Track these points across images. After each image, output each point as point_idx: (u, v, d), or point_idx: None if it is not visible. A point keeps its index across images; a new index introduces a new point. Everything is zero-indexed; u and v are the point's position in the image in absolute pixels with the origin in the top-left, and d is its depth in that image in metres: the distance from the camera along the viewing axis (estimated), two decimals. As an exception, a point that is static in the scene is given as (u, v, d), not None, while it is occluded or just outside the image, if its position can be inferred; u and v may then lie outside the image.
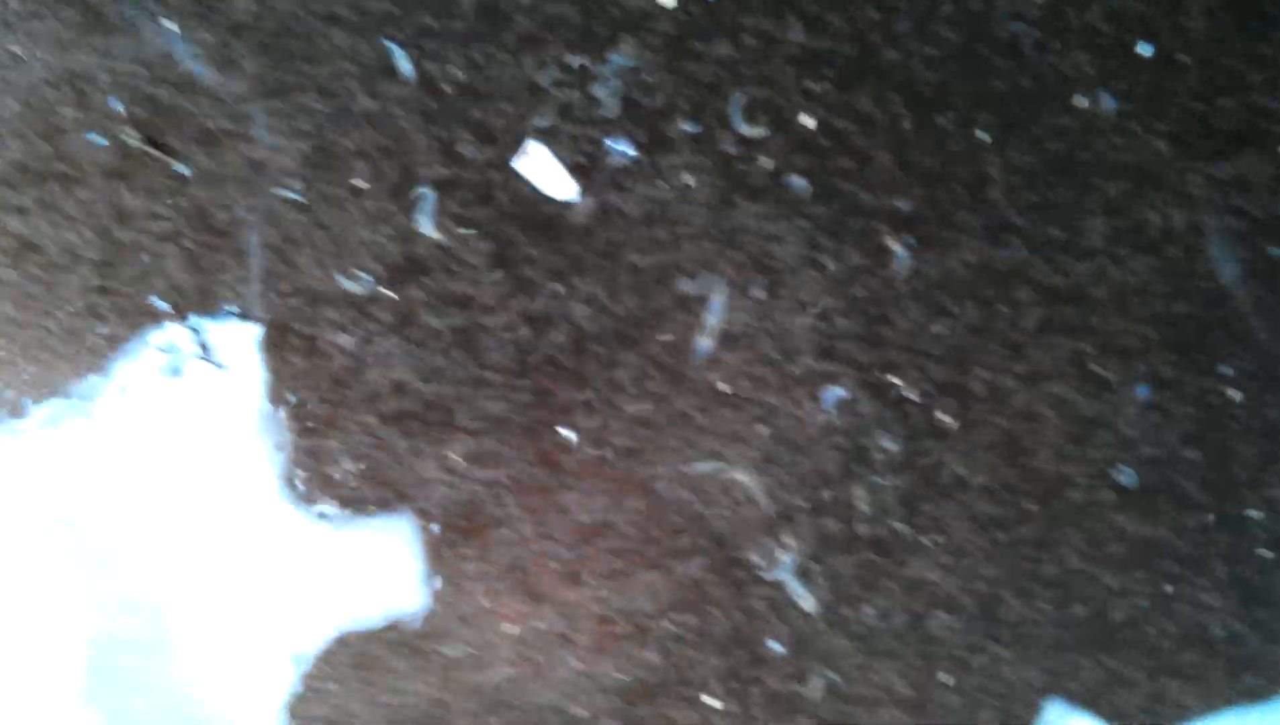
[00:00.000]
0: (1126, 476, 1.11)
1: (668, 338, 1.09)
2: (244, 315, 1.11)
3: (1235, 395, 1.09)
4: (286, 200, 1.10)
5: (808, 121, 1.08)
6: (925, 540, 1.12)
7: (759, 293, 1.09)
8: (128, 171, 1.10)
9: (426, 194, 1.08)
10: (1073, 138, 1.07)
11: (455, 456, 1.12)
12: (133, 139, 1.09)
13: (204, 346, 1.10)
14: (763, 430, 1.10)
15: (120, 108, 1.09)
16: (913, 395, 1.11)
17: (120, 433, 1.11)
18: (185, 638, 1.11)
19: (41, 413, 1.12)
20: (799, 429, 1.10)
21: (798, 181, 1.09)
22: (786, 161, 1.08)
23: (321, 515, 1.12)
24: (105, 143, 1.09)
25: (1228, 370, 1.09)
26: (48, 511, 1.11)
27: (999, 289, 1.09)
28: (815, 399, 1.10)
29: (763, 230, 1.08)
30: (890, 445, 1.11)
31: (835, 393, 1.10)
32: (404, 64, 1.08)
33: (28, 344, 1.14)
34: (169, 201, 1.10)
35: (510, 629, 1.14)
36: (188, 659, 1.12)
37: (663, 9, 1.06)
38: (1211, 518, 1.11)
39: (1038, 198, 1.08)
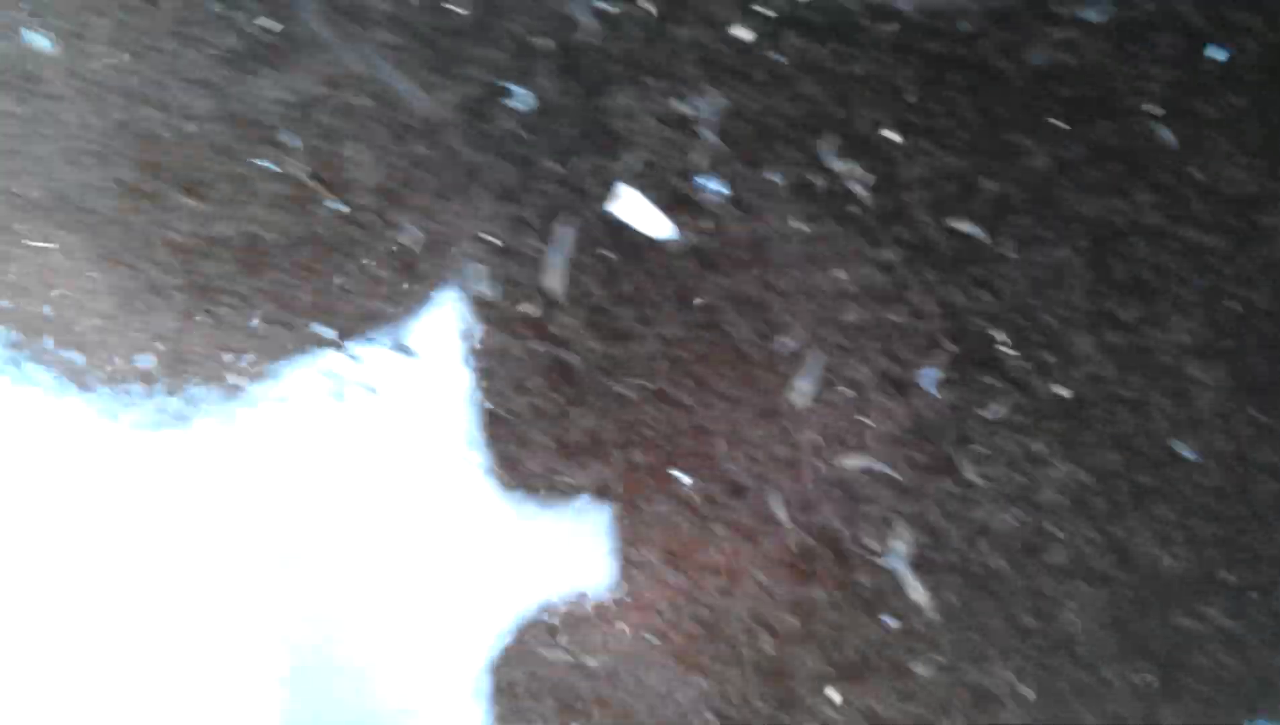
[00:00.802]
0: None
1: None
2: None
3: None
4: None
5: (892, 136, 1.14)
6: (1050, 527, 1.08)
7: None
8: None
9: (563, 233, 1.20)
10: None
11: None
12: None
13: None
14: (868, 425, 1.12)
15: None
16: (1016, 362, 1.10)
17: (293, 435, 1.22)
18: (376, 624, 1.19)
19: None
20: (905, 419, 1.11)
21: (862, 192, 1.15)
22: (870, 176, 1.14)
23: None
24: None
25: None
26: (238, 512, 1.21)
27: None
28: (910, 387, 1.11)
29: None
30: (998, 414, 1.10)
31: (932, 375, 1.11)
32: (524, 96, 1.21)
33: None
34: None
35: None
36: (376, 644, 1.19)
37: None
38: None
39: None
